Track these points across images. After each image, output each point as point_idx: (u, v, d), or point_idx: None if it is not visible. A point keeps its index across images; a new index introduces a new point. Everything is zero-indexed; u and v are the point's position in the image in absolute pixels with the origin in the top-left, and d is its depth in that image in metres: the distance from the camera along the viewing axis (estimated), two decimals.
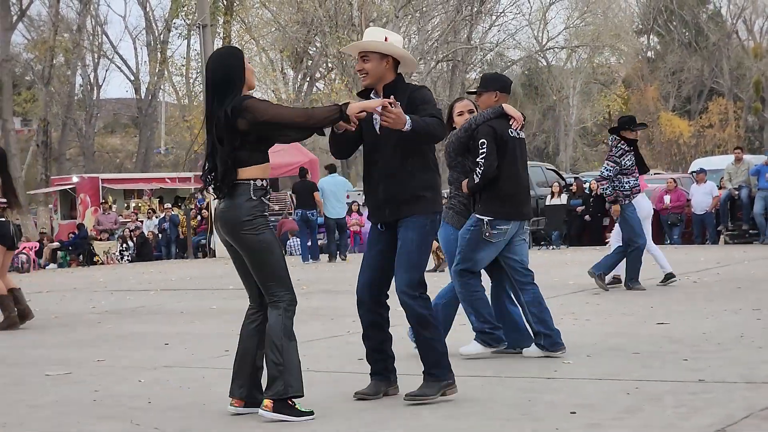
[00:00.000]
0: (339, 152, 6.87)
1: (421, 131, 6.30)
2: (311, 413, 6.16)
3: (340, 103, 6.39)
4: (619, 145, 13.22)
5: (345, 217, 24.39)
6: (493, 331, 8.17)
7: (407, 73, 39.02)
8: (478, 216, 8.11)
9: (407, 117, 6.26)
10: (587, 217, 25.66)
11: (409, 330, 7.70)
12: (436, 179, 6.65)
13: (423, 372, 6.51)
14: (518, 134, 8.26)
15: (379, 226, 6.67)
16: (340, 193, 23.65)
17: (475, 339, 8.24)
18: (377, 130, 6.55)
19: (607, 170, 13.21)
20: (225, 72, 6.26)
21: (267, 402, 6.11)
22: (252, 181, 6.21)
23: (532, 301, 8.16)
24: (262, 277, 6.23)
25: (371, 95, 6.70)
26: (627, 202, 13.14)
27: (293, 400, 6.14)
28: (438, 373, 6.46)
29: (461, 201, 8.40)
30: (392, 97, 6.36)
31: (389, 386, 6.73)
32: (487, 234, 8.04)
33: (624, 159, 13.16)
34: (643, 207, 13.49)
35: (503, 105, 8.27)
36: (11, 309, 12.06)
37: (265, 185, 6.28)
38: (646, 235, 13.34)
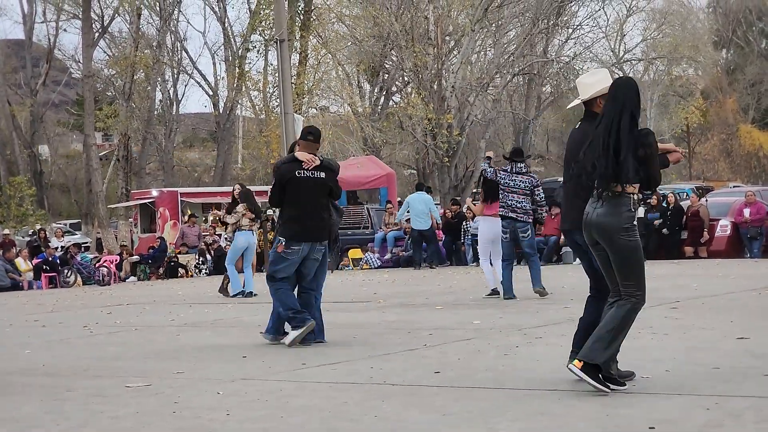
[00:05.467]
0: None
1: None
2: (608, 388, 6.92)
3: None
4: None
5: (431, 229, 26.55)
6: (296, 315, 10.29)
7: (481, 85, 38.56)
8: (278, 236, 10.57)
9: None
10: (665, 230, 25.40)
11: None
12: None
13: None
14: (311, 174, 10.37)
15: None
16: (425, 207, 26.29)
17: (291, 328, 10.44)
18: None
19: None
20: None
21: (576, 362, 6.96)
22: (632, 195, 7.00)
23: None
24: (624, 276, 7.06)
25: None
26: None
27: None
28: None
29: None
30: None
31: None
32: (285, 251, 10.42)
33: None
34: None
35: (296, 152, 10.51)
36: None
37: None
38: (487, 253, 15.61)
